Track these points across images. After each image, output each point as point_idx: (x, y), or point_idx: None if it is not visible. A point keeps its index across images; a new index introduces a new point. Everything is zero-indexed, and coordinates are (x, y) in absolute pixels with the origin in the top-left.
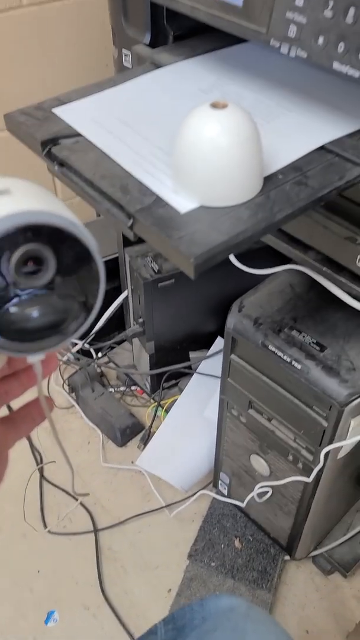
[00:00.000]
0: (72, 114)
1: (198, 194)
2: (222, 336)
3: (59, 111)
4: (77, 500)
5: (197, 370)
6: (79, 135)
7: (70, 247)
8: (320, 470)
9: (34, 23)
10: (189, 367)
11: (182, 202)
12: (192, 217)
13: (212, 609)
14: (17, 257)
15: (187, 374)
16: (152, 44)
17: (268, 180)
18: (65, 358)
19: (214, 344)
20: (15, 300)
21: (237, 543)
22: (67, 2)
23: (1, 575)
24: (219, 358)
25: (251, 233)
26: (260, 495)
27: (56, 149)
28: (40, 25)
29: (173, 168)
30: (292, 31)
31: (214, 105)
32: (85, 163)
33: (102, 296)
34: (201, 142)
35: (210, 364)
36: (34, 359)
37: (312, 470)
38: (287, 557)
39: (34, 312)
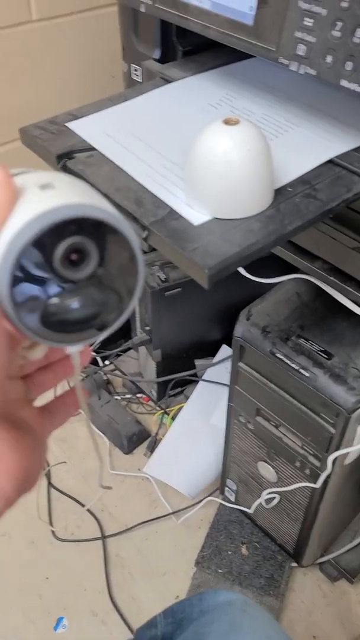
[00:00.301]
0: (85, 128)
1: (211, 206)
2: (228, 344)
3: (72, 125)
4: (84, 506)
5: (203, 378)
6: (93, 149)
7: (112, 241)
8: (328, 477)
9: (43, 38)
10: (195, 375)
11: (195, 215)
12: (205, 229)
13: (210, 603)
14: (62, 250)
15: (192, 381)
16: (162, 60)
17: (278, 193)
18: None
19: (219, 352)
20: (57, 291)
21: (244, 550)
22: (76, 17)
23: (10, 582)
24: (225, 366)
25: (262, 245)
26: (268, 501)
27: (71, 162)
28: (50, 40)
29: (186, 181)
30: (301, 50)
31: (227, 122)
32: (100, 176)
33: (140, 290)
34: (214, 157)
35: (215, 372)
36: (73, 349)
37: (319, 476)
38: (294, 564)
39: (75, 304)
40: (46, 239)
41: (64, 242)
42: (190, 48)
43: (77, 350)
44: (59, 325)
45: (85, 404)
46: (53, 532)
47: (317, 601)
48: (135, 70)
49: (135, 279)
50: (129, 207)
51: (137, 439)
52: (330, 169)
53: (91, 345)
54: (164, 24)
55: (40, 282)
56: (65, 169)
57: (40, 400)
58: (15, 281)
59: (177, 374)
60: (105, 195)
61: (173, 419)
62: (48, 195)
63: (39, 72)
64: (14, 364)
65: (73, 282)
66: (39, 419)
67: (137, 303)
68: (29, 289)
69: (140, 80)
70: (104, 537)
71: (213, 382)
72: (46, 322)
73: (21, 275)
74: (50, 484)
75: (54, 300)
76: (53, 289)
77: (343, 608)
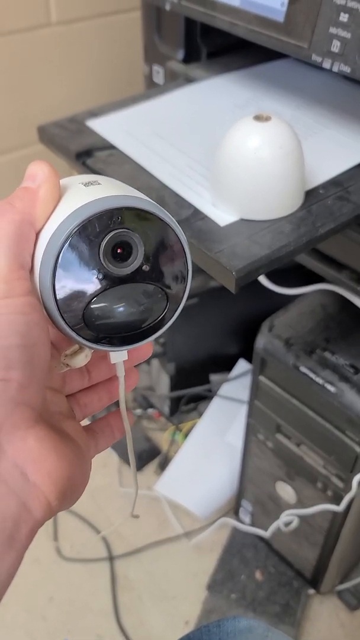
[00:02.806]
0: (105, 127)
1: (238, 206)
2: (245, 358)
3: (92, 124)
4: (95, 529)
5: (218, 394)
6: (113, 147)
7: (158, 235)
8: (352, 499)
9: (62, 42)
10: (209, 390)
11: (222, 215)
12: (232, 230)
13: (230, 630)
14: (107, 241)
15: (207, 397)
16: (186, 61)
17: (309, 194)
18: None
19: (235, 367)
20: (102, 288)
21: (258, 575)
22: (96, 21)
23: (14, 602)
24: (241, 381)
25: (294, 247)
26: (286, 524)
27: (91, 161)
28: (69, 44)
29: (212, 180)
30: (336, 46)
31: (257, 118)
32: (121, 175)
33: (188, 291)
34: (244, 154)
35: (231, 387)
36: (118, 357)
37: (342, 498)
38: (311, 591)
39: (120, 303)
40: (90, 231)
41: (108, 235)
42: (214, 49)
43: (122, 359)
44: (102, 326)
45: (129, 425)
46: (58, 550)
47: (335, 631)
48: (157, 71)
49: (183, 277)
50: None
51: (147, 456)
52: None
53: (137, 365)
54: (189, 24)
55: (83, 278)
56: (85, 168)
57: None
58: (59, 276)
59: (191, 388)
60: None
61: (185, 436)
62: (92, 190)
63: (57, 76)
64: (55, 372)
65: (118, 279)
66: (83, 435)
67: (184, 304)
68: (73, 285)
69: (162, 83)
70: (111, 558)
71: (229, 398)
72: (89, 322)
73: (64, 269)
74: None
75: (98, 298)
76: (97, 285)
77: None
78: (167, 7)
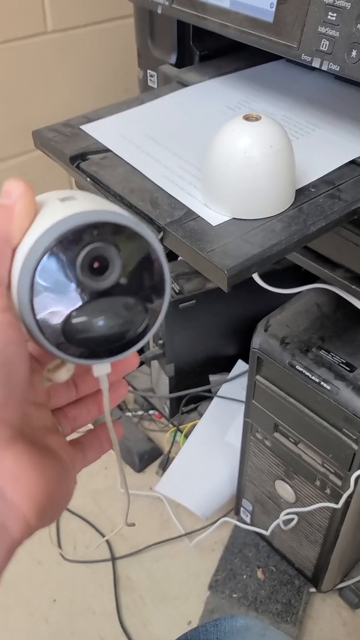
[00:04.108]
0: (100, 130)
1: (230, 206)
2: (243, 359)
3: (87, 128)
4: (94, 527)
5: (218, 394)
6: (107, 150)
7: (135, 248)
8: (350, 496)
9: (58, 49)
10: (209, 391)
11: (214, 215)
12: (224, 229)
13: (227, 629)
14: (84, 256)
15: (206, 397)
16: (178, 64)
17: (300, 193)
18: None
19: (234, 367)
20: (80, 303)
21: (259, 574)
22: (91, 29)
23: (16, 604)
24: (240, 381)
25: (285, 245)
26: (285, 522)
27: (85, 164)
28: (64, 51)
29: (204, 181)
30: (325, 45)
31: (247, 118)
32: (114, 178)
33: (167, 300)
34: (234, 154)
35: (230, 388)
36: (100, 370)
37: (341, 496)
38: (312, 589)
39: (100, 317)
40: (67, 246)
41: (85, 249)
42: (206, 52)
43: (105, 372)
44: (83, 340)
45: (117, 438)
46: (61, 552)
47: (337, 629)
48: (151, 76)
49: (161, 288)
50: (144, 208)
51: (148, 457)
52: (354, 169)
53: (148, 363)
54: (181, 27)
55: (62, 293)
56: (79, 171)
57: None
58: (36, 292)
59: (190, 389)
60: (120, 197)
61: (186, 436)
62: (68, 205)
63: (53, 83)
64: (39, 387)
65: (97, 293)
66: (68, 450)
67: (164, 314)
68: (51, 300)
69: (156, 87)
70: (113, 559)
71: (228, 398)
72: (69, 337)
73: (42, 285)
74: None
75: (77, 312)
76: (76, 300)
77: None
78: (159, 10)
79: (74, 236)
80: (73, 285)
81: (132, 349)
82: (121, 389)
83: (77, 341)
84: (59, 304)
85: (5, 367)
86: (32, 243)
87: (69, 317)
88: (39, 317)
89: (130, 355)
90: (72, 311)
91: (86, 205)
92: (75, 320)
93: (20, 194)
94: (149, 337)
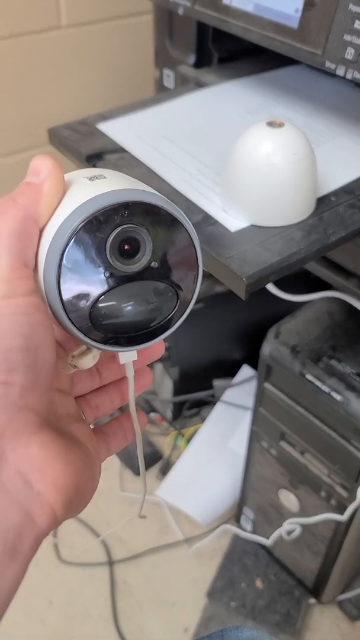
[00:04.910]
0: (116, 130)
1: (249, 212)
2: (249, 364)
3: (103, 127)
4: (95, 533)
5: (222, 399)
6: (124, 151)
7: (167, 231)
8: (356, 509)
9: (72, 45)
10: (213, 396)
11: (232, 221)
12: (243, 236)
13: None
14: (114, 237)
15: (210, 402)
16: (197, 65)
17: (320, 202)
18: None
19: (239, 372)
20: (109, 287)
21: (259, 583)
22: (106, 25)
23: (12, 605)
24: (245, 387)
25: (304, 254)
26: (288, 532)
27: (101, 164)
28: (78, 47)
29: (223, 186)
30: (350, 53)
31: (270, 124)
32: None
33: (199, 288)
34: (256, 160)
35: (235, 393)
36: (126, 357)
37: (346, 508)
38: (312, 600)
39: (128, 303)
40: (96, 227)
41: (115, 230)
42: (226, 54)
43: (131, 359)
44: (110, 326)
45: (140, 427)
46: (58, 554)
47: None
48: (168, 75)
49: (194, 275)
50: None
51: (149, 461)
52: None
53: (151, 366)
54: (201, 28)
55: (90, 276)
56: None
57: None
58: (64, 274)
59: (194, 393)
60: None
61: (188, 441)
62: (97, 184)
63: (66, 78)
64: (63, 373)
65: (126, 277)
66: (92, 438)
67: (194, 303)
68: (79, 283)
69: (172, 87)
70: (111, 563)
71: (232, 404)
72: (96, 322)
73: (70, 267)
74: None
75: (106, 297)
76: (104, 284)
77: None
78: (180, 11)
79: (103, 217)
80: (102, 268)
81: (161, 336)
82: (145, 378)
83: (104, 327)
84: (86, 288)
85: (31, 351)
86: (60, 223)
87: (96, 301)
88: (65, 301)
89: (156, 344)
90: (100, 295)
91: (116, 184)
92: (102, 305)
93: (49, 171)
94: (178, 324)
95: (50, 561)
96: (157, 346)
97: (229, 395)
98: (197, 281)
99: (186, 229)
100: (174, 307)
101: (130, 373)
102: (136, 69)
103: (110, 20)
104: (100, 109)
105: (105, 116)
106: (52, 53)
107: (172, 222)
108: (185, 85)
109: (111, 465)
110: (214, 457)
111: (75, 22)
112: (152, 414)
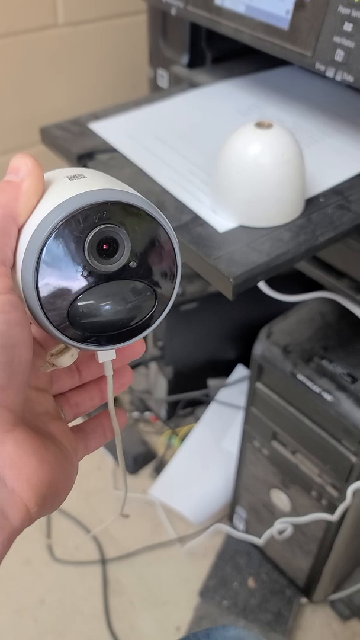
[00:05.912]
0: (108, 130)
1: (238, 213)
2: (244, 364)
3: (95, 126)
4: (87, 530)
5: (216, 399)
6: (115, 150)
7: (145, 230)
8: (346, 509)
9: (68, 43)
10: (207, 395)
11: (221, 221)
12: (231, 236)
13: (219, 639)
14: (92, 236)
15: (204, 402)
16: (190, 65)
17: (309, 203)
18: None
19: (233, 372)
20: (87, 286)
21: (251, 582)
22: (102, 24)
23: (4, 603)
24: (239, 387)
25: (293, 255)
26: (279, 532)
27: (92, 163)
28: (75, 45)
29: (212, 186)
30: (339, 55)
31: (259, 125)
32: (121, 178)
33: (177, 288)
34: (244, 161)
35: (229, 393)
36: (105, 356)
37: (336, 508)
38: (303, 600)
39: (106, 301)
40: (74, 226)
41: (94, 229)
42: (219, 55)
43: (110, 358)
44: (88, 325)
45: (120, 425)
46: (51, 552)
47: None
48: (162, 75)
49: (172, 274)
50: None
51: (143, 460)
52: None
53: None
54: (194, 29)
55: (68, 275)
56: None
57: None
58: (42, 273)
59: (188, 393)
60: None
61: (182, 440)
62: (77, 183)
63: (62, 77)
64: (41, 372)
65: (104, 276)
66: (70, 436)
67: (173, 301)
68: (57, 282)
69: (166, 87)
70: (103, 561)
71: (226, 403)
72: (75, 321)
73: (48, 265)
74: None
75: (84, 296)
76: (82, 283)
77: None
78: (173, 12)
79: (82, 216)
80: (80, 267)
81: (139, 335)
82: (126, 377)
83: (82, 325)
84: (64, 286)
85: (7, 349)
86: (39, 222)
87: (74, 300)
88: (43, 299)
89: (137, 342)
90: (78, 294)
91: (96, 184)
92: (81, 304)
93: (29, 170)
94: (157, 324)
95: (43, 560)
96: (137, 345)
97: (223, 394)
98: (175, 280)
99: (165, 229)
100: (153, 307)
101: (109, 372)
102: (131, 68)
103: (106, 20)
104: (96, 107)
105: (98, 116)
106: (49, 51)
107: (150, 222)
108: (178, 85)
109: (105, 465)
110: (207, 456)
111: (72, 20)
112: (147, 413)
